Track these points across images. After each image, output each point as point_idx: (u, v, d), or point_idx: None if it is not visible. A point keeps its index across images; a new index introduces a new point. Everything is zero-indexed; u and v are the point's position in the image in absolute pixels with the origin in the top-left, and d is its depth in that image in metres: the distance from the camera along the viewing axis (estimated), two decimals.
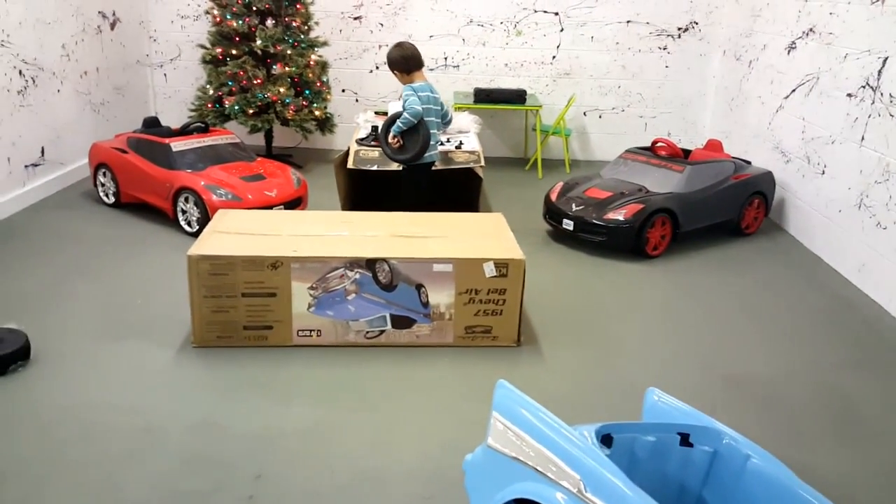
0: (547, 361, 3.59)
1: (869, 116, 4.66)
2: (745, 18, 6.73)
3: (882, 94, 4.53)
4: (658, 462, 2.09)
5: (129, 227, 5.18)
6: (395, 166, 4.89)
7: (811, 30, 5.45)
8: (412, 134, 4.53)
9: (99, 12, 6.45)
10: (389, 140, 4.55)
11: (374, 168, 4.96)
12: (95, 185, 5.61)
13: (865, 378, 3.56)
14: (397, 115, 4.52)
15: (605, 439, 2.02)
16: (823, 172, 5.18)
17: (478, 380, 3.37)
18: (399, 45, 4.64)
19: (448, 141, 5.44)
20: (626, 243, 4.90)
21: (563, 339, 3.81)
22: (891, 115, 4.44)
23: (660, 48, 7.42)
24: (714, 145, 5.82)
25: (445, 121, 4.88)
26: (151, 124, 5.69)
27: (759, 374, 3.55)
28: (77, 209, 5.51)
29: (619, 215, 4.87)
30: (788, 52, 5.79)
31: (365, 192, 5.51)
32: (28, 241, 4.81)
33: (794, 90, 5.67)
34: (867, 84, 4.69)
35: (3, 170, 5.12)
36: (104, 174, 5.51)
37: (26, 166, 5.49)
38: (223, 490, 2.60)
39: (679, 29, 7.36)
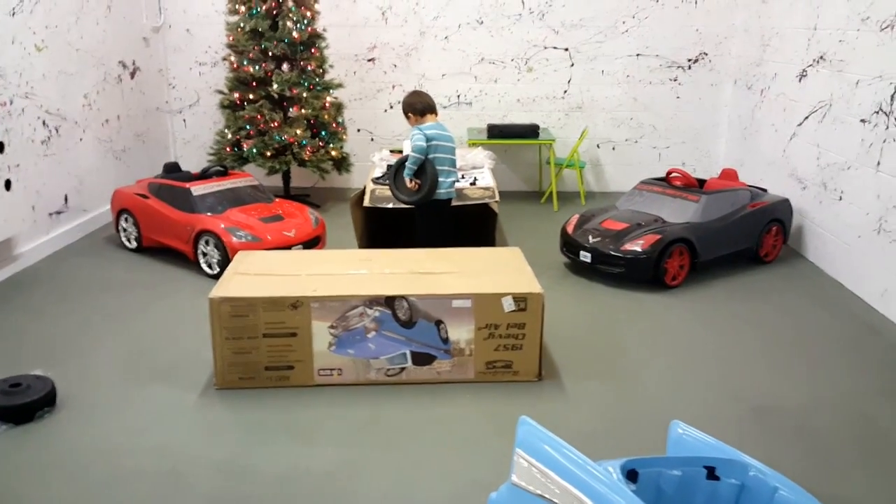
0: (569, 395, 3.58)
1: (884, 142, 4.66)
2: (755, 48, 6.78)
3: None
4: (684, 496, 2.07)
5: (151, 271, 5.25)
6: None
7: (821, 57, 5.48)
8: (421, 174, 4.59)
9: (119, 62, 6.62)
10: (408, 185, 4.61)
11: (390, 206, 5.01)
12: (118, 231, 5.71)
13: (895, 406, 3.51)
14: (405, 159, 4.62)
15: (631, 474, 2.01)
16: (841, 198, 5.16)
17: (500, 415, 3.36)
18: (414, 92, 4.82)
19: (463, 177, 5.49)
20: (644, 274, 4.89)
21: (584, 373, 3.79)
22: None
23: (671, 80, 7.48)
24: (729, 174, 5.83)
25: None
26: (172, 169, 5.79)
27: (785, 404, 3.51)
28: (100, 255, 5.59)
29: (636, 246, 4.87)
30: (800, 79, 5.82)
31: (382, 229, 5.56)
32: (52, 288, 4.89)
33: (806, 117, 5.68)
34: (881, 109, 4.70)
35: (28, 218, 5.23)
36: (126, 219, 5.61)
37: (50, 214, 5.60)
38: None
39: (689, 60, 7.42)
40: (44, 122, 5.46)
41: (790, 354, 4.04)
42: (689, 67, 7.44)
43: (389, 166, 5.51)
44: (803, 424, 3.34)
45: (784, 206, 5.54)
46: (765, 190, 5.68)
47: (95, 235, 6.05)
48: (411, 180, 4.59)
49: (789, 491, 2.01)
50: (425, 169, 4.55)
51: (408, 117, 4.74)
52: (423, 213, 4.75)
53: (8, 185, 4.87)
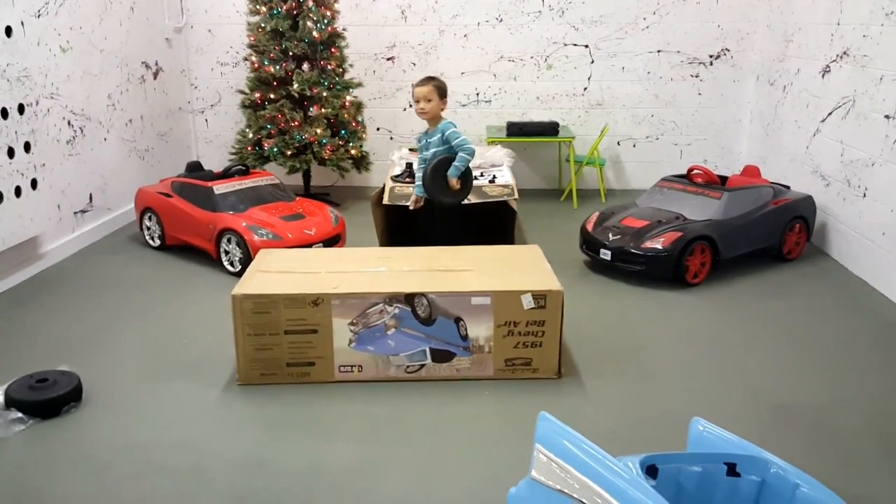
0: (588, 393, 3.57)
1: None
2: (778, 44, 6.72)
3: None
4: (705, 492, 2.07)
5: (174, 268, 5.31)
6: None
7: (845, 52, 5.42)
8: (465, 173, 4.48)
9: (142, 63, 6.70)
10: (454, 183, 4.43)
11: (409, 203, 5.02)
12: (141, 229, 5.78)
13: None
14: (449, 157, 4.43)
15: (650, 470, 2.01)
16: (865, 195, 5.10)
17: (519, 413, 3.36)
18: (436, 77, 4.63)
19: (482, 175, 5.49)
20: (665, 272, 4.87)
21: (604, 370, 3.78)
22: None
23: (692, 76, 7.43)
24: (751, 171, 5.78)
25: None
26: (194, 168, 5.85)
27: (808, 403, 3.48)
28: (124, 253, 5.67)
29: (657, 244, 4.85)
30: (823, 75, 5.76)
31: (401, 227, 5.57)
32: (78, 286, 4.96)
33: (830, 113, 5.62)
34: None
35: (53, 217, 5.31)
36: (150, 218, 5.68)
37: (75, 213, 5.69)
38: None
39: (711, 56, 7.37)
40: (69, 123, 5.54)
41: (812, 353, 4.01)
42: (711, 63, 7.39)
43: (409, 164, 5.52)
44: (825, 423, 3.30)
45: (807, 203, 5.48)
46: (788, 187, 5.63)
47: (120, 234, 6.13)
48: (458, 180, 4.43)
49: (811, 488, 2.00)
50: (468, 169, 4.49)
51: (441, 97, 4.48)
52: (446, 212, 4.69)
53: (34, 184, 4.94)
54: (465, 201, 4.90)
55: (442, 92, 4.52)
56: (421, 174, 4.60)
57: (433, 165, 4.45)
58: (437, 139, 4.52)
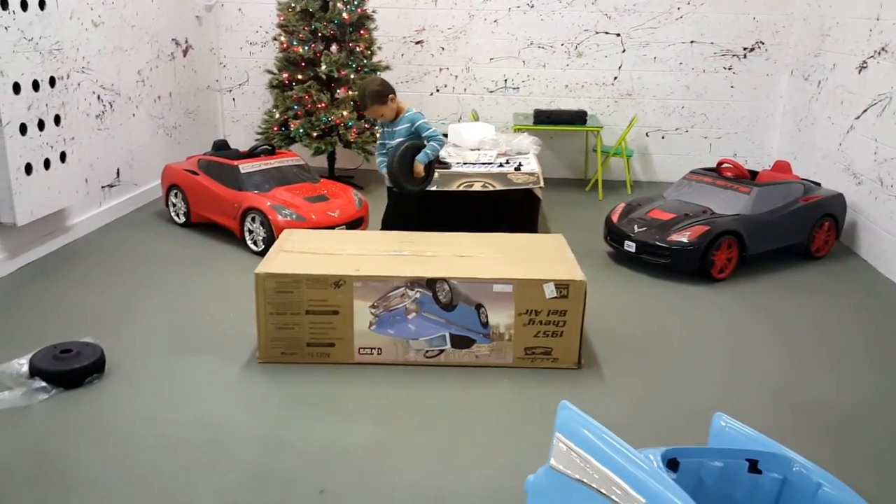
0: (609, 384, 3.55)
1: None
2: (814, 38, 6.58)
3: None
4: (725, 488, 2.04)
5: (198, 246, 5.34)
6: (454, 186, 4.93)
7: (883, 49, 5.30)
8: (429, 163, 4.51)
9: (172, 40, 6.72)
10: (419, 170, 4.43)
11: (434, 188, 5.00)
12: (167, 206, 5.82)
13: None
14: (417, 144, 4.42)
15: (671, 463, 1.98)
16: None
17: (538, 401, 3.35)
18: (376, 77, 4.54)
19: (507, 162, 5.46)
20: (690, 266, 4.81)
21: (625, 363, 3.75)
22: None
23: (725, 68, 7.31)
24: (782, 167, 5.69)
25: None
26: (221, 147, 5.88)
27: (832, 402, 3.43)
28: (149, 228, 5.72)
29: (683, 237, 4.79)
30: (859, 71, 5.63)
31: (424, 212, 5.55)
32: (103, 259, 5.01)
33: (865, 110, 5.50)
34: None
35: (81, 190, 5.35)
36: (176, 195, 5.72)
37: (103, 187, 5.74)
38: None
39: (745, 49, 7.24)
40: (98, 97, 5.58)
41: (837, 352, 3.94)
42: (745, 56, 7.27)
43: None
44: (848, 423, 3.25)
45: (837, 200, 5.38)
46: (818, 184, 5.53)
47: (146, 209, 6.18)
48: (425, 168, 4.46)
49: (833, 487, 1.97)
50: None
51: (384, 103, 4.39)
52: (402, 202, 4.64)
53: (63, 157, 4.98)
54: (490, 188, 4.88)
55: (381, 97, 4.39)
56: (383, 159, 4.57)
57: (400, 152, 4.40)
58: (405, 129, 4.47)
